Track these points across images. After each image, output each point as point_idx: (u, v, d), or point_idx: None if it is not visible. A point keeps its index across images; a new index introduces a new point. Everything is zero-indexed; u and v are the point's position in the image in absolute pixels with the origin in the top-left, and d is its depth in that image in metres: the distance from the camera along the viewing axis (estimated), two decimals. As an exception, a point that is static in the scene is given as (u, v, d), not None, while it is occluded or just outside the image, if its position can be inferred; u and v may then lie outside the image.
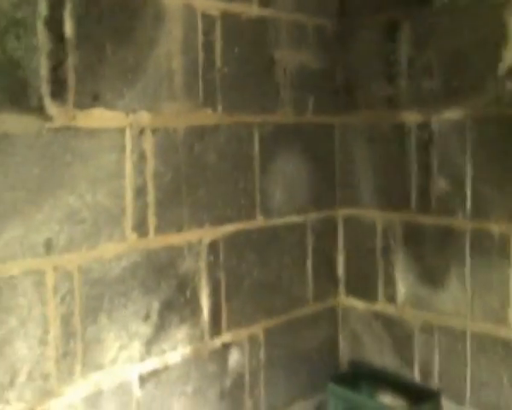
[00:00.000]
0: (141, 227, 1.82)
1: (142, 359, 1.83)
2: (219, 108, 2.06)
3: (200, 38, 1.99)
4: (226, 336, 2.09)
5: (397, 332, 2.42)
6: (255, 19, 2.17)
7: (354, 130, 2.53)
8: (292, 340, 2.35)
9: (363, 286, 2.53)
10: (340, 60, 2.53)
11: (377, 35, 2.44)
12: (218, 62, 2.05)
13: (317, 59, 2.40)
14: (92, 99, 1.71)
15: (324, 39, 2.44)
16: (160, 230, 1.88)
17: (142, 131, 1.82)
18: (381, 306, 2.47)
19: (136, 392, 1.82)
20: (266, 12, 2.20)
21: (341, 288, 2.59)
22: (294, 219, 2.35)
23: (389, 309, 2.44)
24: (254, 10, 2.16)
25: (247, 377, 2.17)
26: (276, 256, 2.28)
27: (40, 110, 1.59)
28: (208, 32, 2.02)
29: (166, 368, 1.90)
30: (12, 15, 1.54)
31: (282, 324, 2.30)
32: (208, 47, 2.02)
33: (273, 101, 2.26)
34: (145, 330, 1.84)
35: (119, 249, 1.77)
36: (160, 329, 1.88)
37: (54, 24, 1.62)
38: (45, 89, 1.61)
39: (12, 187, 1.54)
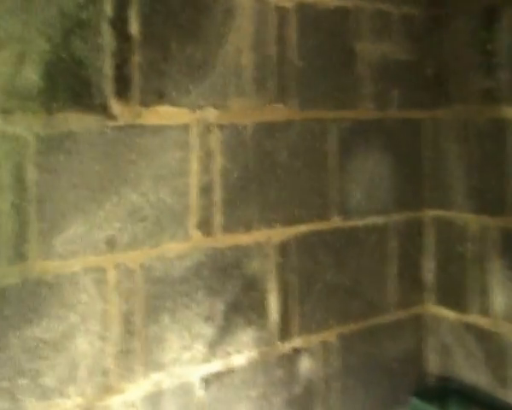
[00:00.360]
0: (206, 226, 1.92)
1: (205, 360, 1.93)
2: (292, 103, 2.13)
3: (273, 31, 2.07)
4: (296, 341, 2.16)
5: (492, 348, 2.39)
6: (333, 9, 2.23)
7: (445, 125, 2.52)
8: (371, 348, 2.38)
9: (453, 295, 2.51)
10: (430, 50, 2.53)
11: (473, 23, 2.42)
12: (292, 56, 2.12)
13: (402, 50, 2.42)
14: (157, 97, 1.82)
15: (411, 29, 2.45)
16: (226, 229, 1.97)
17: (208, 128, 1.92)
18: (474, 318, 2.45)
19: (199, 394, 1.92)
20: (346, 2, 2.25)
21: (429, 295, 2.59)
22: (375, 220, 2.38)
23: (483, 322, 2.41)
24: (333, 0, 2.20)
25: (318, 386, 2.23)
26: (354, 259, 2.32)
27: (104, 109, 1.72)
28: (281, 25, 2.09)
29: (231, 371, 1.99)
30: (77, 16, 1.68)
31: (359, 330, 2.33)
32: (281, 40, 2.09)
33: (353, 95, 2.30)
34: (209, 331, 1.94)
35: (182, 248, 1.87)
36: (225, 331, 1.97)
37: (119, 23, 1.75)
38: (109, 87, 1.73)
39: (75, 185, 1.68)
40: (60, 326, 1.66)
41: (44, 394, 1.64)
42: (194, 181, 1.90)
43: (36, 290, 1.63)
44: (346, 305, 2.30)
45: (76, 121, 1.69)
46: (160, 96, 1.84)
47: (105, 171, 1.73)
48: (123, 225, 1.76)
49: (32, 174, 1.61)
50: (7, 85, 1.57)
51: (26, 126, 1.61)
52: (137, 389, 1.80)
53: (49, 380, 1.64)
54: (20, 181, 1.59)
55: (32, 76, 1.61)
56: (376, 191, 2.39)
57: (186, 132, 1.89)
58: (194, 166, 1.90)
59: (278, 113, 2.10)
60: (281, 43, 2.10)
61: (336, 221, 2.27)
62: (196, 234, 1.91)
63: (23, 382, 1.60)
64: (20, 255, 1.59)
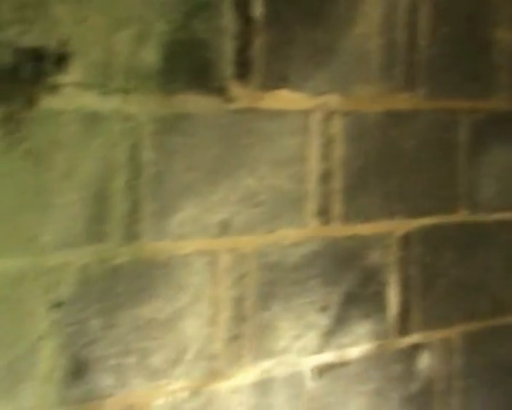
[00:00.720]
0: (323, 214, 1.69)
1: (317, 351, 1.71)
2: (420, 92, 1.86)
3: (403, 16, 1.82)
4: (415, 337, 1.90)
5: None
6: (470, -6, 1.90)
7: None
8: (496, 349, 2.07)
9: None
10: None
11: None
12: (423, 43, 1.85)
13: (545, 38, 2.04)
14: (278, 81, 1.61)
15: (556, 15, 2.06)
16: (344, 218, 1.74)
17: (330, 115, 1.69)
18: None
19: (309, 385, 1.70)
20: (484, -14, 1.92)
21: None
22: (507, 216, 2.03)
23: None
24: (470, -16, 1.89)
25: (438, 384, 1.95)
26: (482, 255, 2.01)
27: (223, 91, 1.54)
28: (412, 10, 1.83)
29: (344, 364, 1.76)
30: (200, -2, 1.48)
31: (484, 329, 2.03)
32: (411, 26, 1.83)
33: (487, 86, 1.99)
34: (322, 321, 1.72)
35: (298, 236, 1.66)
36: (340, 322, 1.74)
37: (241, 6, 1.56)
38: (230, 70, 1.55)
39: (190, 167, 1.51)
40: (169, 308, 1.49)
41: (151, 374, 1.47)
42: (313, 168, 1.67)
43: (147, 271, 1.46)
44: (471, 303, 1.99)
45: (194, 103, 1.50)
46: (281, 81, 1.62)
47: (221, 154, 1.54)
48: (237, 210, 1.56)
49: (147, 155, 1.44)
50: (126, 65, 1.42)
51: (143, 107, 1.44)
52: (246, 375, 1.61)
53: (156, 361, 1.48)
54: (135, 161, 1.43)
55: (150, 57, 1.44)
56: (510, 186, 2.03)
57: (306, 118, 1.66)
58: (314, 152, 1.66)
59: (405, 101, 1.82)
60: (410, 29, 1.82)
61: (463, 215, 1.96)
62: (313, 222, 1.68)
63: (131, 360, 1.45)
64: (132, 235, 1.43)
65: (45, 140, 1.35)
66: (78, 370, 1.39)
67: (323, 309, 1.74)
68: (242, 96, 1.59)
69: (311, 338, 1.73)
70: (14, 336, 1.34)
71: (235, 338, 1.61)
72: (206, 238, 1.56)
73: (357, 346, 1.81)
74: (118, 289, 1.45)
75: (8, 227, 1.32)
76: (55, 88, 1.35)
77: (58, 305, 1.37)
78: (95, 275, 1.42)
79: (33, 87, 1.33)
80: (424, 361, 1.94)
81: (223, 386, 1.59)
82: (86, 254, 1.41)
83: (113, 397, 1.45)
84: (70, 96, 1.37)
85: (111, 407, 1.45)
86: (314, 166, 1.70)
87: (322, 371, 1.75)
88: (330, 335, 1.76)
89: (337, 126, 1.73)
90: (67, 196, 1.38)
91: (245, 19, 1.58)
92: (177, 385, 1.53)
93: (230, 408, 1.61)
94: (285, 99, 1.65)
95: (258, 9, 1.59)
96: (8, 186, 1.32)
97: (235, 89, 1.58)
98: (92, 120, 1.40)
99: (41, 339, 1.35)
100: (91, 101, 1.40)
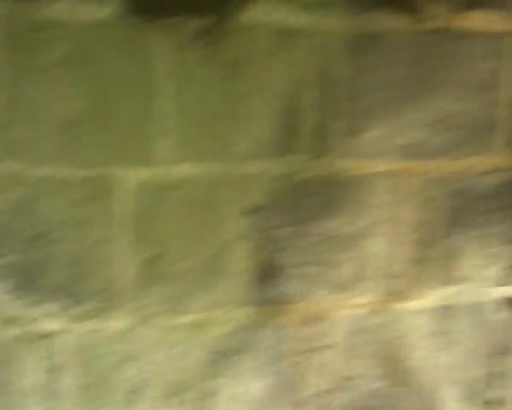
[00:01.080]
0: (515, 144, 1.48)
1: (501, 283, 1.54)
2: None
3: None
4: None
5: None
6: None
7: None
8: None
9: None
10: None
11: None
12: None
13: None
14: (470, 2, 1.40)
15: None
16: (539, 149, 1.51)
17: (528, 37, 1.46)
18: None
19: (490, 316, 1.53)
20: None
21: None
22: None
23: None
24: None
25: None
26: None
27: (417, 11, 1.41)
28: None
29: (528, 299, 1.55)
30: None
31: None
32: None
33: None
34: (509, 254, 1.51)
35: (486, 165, 1.49)
36: (526, 256, 1.53)
37: None
38: (421, -10, 1.37)
39: (379, 87, 1.41)
40: (353, 225, 1.41)
41: (334, 286, 1.41)
42: (505, 95, 1.45)
43: (333, 187, 1.40)
44: None
45: (386, 22, 1.40)
46: (477, 1, 1.40)
47: (410, 75, 1.41)
48: (426, 133, 1.43)
49: (337, 72, 1.35)
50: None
51: (334, 24, 1.36)
52: (427, 299, 1.49)
53: (339, 274, 1.42)
54: (325, 78, 1.35)
55: (343, -26, 1.31)
56: None
57: (500, 41, 1.46)
58: (508, 78, 1.44)
59: None
60: None
61: None
62: (504, 152, 1.49)
63: (316, 271, 1.40)
64: (321, 151, 1.37)
65: (240, 53, 1.31)
66: (266, 274, 1.35)
67: (510, 241, 1.53)
68: (436, 16, 1.43)
69: (496, 269, 1.55)
70: (209, 237, 1.32)
71: (417, 262, 1.48)
72: (394, 160, 1.44)
73: (543, 283, 1.59)
74: (305, 202, 1.39)
75: (205, 134, 1.30)
76: (250, 3, 1.28)
77: (250, 211, 1.34)
78: (284, 186, 1.36)
79: (230, 1, 1.27)
80: None
81: (403, 307, 1.48)
82: (276, 165, 1.36)
83: (297, 303, 1.39)
84: (264, 11, 1.32)
85: (295, 312, 1.39)
86: (507, 93, 1.49)
87: (506, 303, 1.55)
88: (515, 268, 1.57)
89: (536, 50, 1.50)
90: (259, 108, 1.33)
91: None
92: (358, 301, 1.45)
93: (409, 330, 1.48)
94: (480, 21, 1.47)
95: None
96: (206, 96, 1.30)
97: (429, 9, 1.42)
98: (285, 35, 1.34)
99: (233, 242, 1.32)
100: (284, 16, 1.34)
